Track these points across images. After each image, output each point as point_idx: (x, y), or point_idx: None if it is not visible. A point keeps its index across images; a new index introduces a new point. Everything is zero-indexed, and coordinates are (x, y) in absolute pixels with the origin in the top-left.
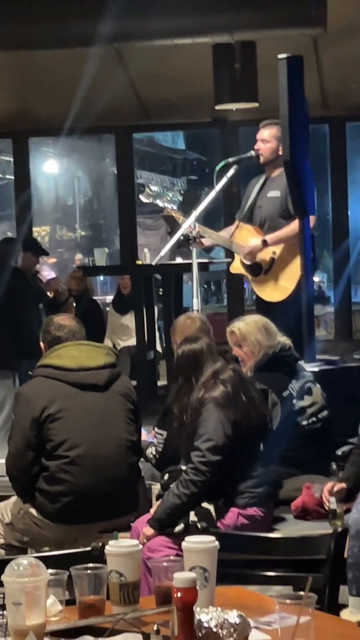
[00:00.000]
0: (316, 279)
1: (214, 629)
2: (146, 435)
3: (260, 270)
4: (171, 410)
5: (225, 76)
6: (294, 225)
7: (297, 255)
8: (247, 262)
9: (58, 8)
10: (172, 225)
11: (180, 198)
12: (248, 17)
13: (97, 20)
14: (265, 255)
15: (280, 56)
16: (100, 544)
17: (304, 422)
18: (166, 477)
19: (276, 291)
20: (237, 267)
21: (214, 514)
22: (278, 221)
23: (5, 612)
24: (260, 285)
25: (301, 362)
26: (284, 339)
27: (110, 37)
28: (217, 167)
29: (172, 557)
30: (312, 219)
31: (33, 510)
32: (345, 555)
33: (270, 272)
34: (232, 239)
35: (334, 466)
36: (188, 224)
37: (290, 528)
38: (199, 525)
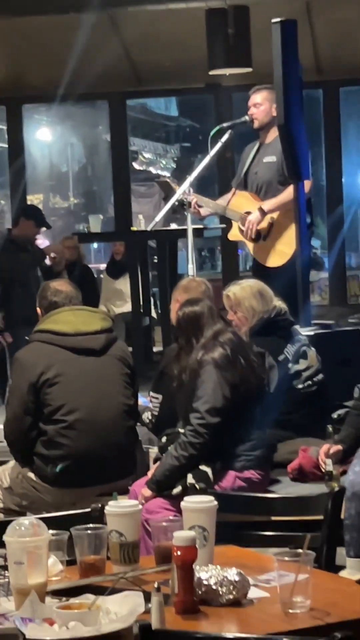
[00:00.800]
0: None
1: (214, 587)
2: (142, 400)
3: (259, 236)
4: (170, 371)
5: (218, 41)
6: (290, 190)
7: (294, 219)
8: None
9: None
10: (167, 191)
11: (174, 165)
12: None
13: None
14: (263, 221)
15: (273, 20)
16: (99, 505)
17: (300, 386)
18: (164, 439)
19: (275, 256)
20: (235, 235)
21: (211, 476)
22: (275, 186)
23: (6, 572)
24: (259, 251)
25: (296, 327)
26: (279, 304)
27: (103, 2)
28: (212, 133)
29: (171, 517)
30: (307, 184)
31: (31, 475)
32: (342, 517)
33: (269, 237)
34: (229, 207)
35: (330, 429)
36: (182, 190)
37: (287, 490)
38: (197, 486)
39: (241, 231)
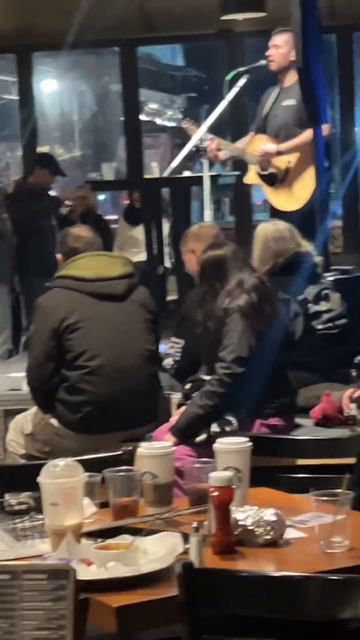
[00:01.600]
0: None
1: (250, 527)
2: (161, 347)
3: (275, 179)
4: (193, 316)
5: None
6: (308, 133)
7: (312, 163)
8: (262, 172)
9: None
10: (183, 137)
11: (180, 116)
12: None
13: None
14: (280, 164)
15: None
16: (130, 448)
17: (319, 327)
18: (188, 386)
19: (292, 200)
20: (252, 178)
21: (236, 425)
22: (294, 130)
23: (33, 516)
24: (275, 194)
25: (320, 268)
26: (305, 246)
27: None
28: (229, 77)
29: (203, 459)
30: (325, 128)
31: (54, 421)
32: None
33: (286, 181)
34: (247, 150)
35: (354, 373)
36: (199, 135)
37: (311, 434)
38: (227, 428)
39: (258, 174)
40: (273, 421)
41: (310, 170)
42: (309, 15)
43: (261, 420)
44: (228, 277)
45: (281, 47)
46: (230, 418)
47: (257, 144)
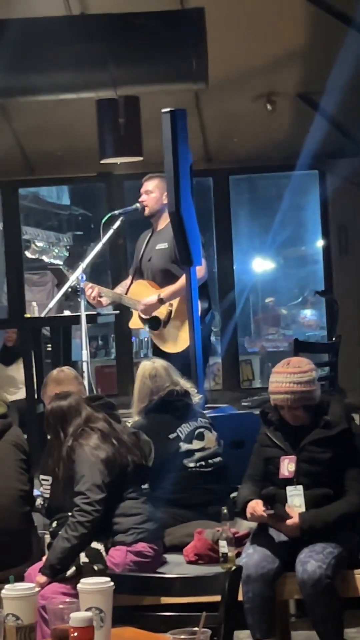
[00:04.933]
0: None
1: None
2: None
3: (159, 323)
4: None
5: (109, 130)
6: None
7: None
8: (145, 317)
9: None
10: (60, 278)
11: (67, 253)
12: (131, 72)
13: None
14: (162, 309)
15: (163, 110)
16: None
17: (191, 465)
18: (54, 524)
19: (177, 343)
20: (135, 322)
21: (104, 553)
22: (171, 273)
23: None
24: (160, 338)
25: (197, 409)
26: (179, 386)
27: None
28: (103, 220)
29: (67, 600)
30: (199, 269)
31: None
32: (240, 598)
33: (169, 324)
34: (128, 295)
35: (225, 510)
36: (75, 276)
37: (182, 571)
38: (95, 567)
39: (141, 319)
40: (139, 547)
41: None
42: (181, 160)
43: (127, 547)
44: (71, 423)
45: (153, 192)
46: (98, 546)
47: (137, 289)
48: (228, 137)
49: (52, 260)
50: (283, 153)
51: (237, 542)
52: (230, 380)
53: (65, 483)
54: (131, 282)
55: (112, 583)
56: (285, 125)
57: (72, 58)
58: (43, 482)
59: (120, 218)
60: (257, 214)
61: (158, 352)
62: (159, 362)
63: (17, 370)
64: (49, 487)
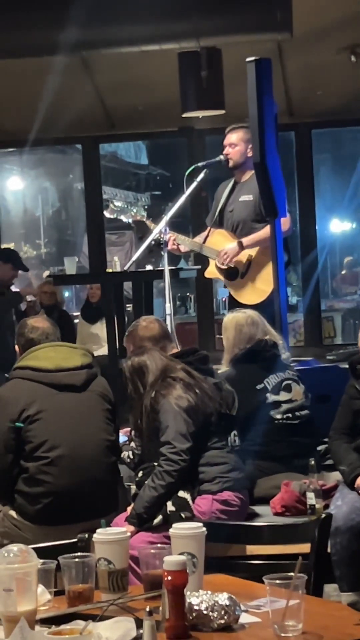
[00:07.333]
0: None
1: (205, 612)
2: (121, 438)
3: (236, 274)
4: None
5: (191, 83)
6: (268, 228)
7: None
8: (223, 267)
9: (23, 17)
10: (143, 231)
11: (144, 213)
12: (214, 22)
13: (63, 28)
14: (241, 258)
15: (248, 59)
16: (86, 535)
17: (278, 416)
18: (140, 474)
19: (253, 294)
20: (212, 272)
21: (190, 502)
22: (251, 225)
23: None
24: (237, 288)
25: (286, 361)
26: (269, 336)
27: (76, 45)
28: (187, 172)
29: (158, 546)
30: (284, 221)
31: (13, 513)
32: (329, 551)
33: (247, 275)
34: (206, 244)
35: (312, 462)
36: (159, 229)
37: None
38: (182, 515)
39: (218, 269)
40: (225, 495)
41: (270, 264)
42: (266, 111)
43: (213, 496)
44: (150, 376)
45: (237, 145)
46: (184, 495)
47: (215, 238)
48: (311, 90)
49: (130, 220)
50: None
51: (325, 494)
52: (312, 337)
53: (149, 434)
54: (209, 232)
55: (204, 528)
56: None
57: (155, 9)
58: (135, 439)
59: (204, 170)
60: (340, 171)
61: (234, 304)
62: (251, 311)
63: (101, 328)
64: (140, 444)
